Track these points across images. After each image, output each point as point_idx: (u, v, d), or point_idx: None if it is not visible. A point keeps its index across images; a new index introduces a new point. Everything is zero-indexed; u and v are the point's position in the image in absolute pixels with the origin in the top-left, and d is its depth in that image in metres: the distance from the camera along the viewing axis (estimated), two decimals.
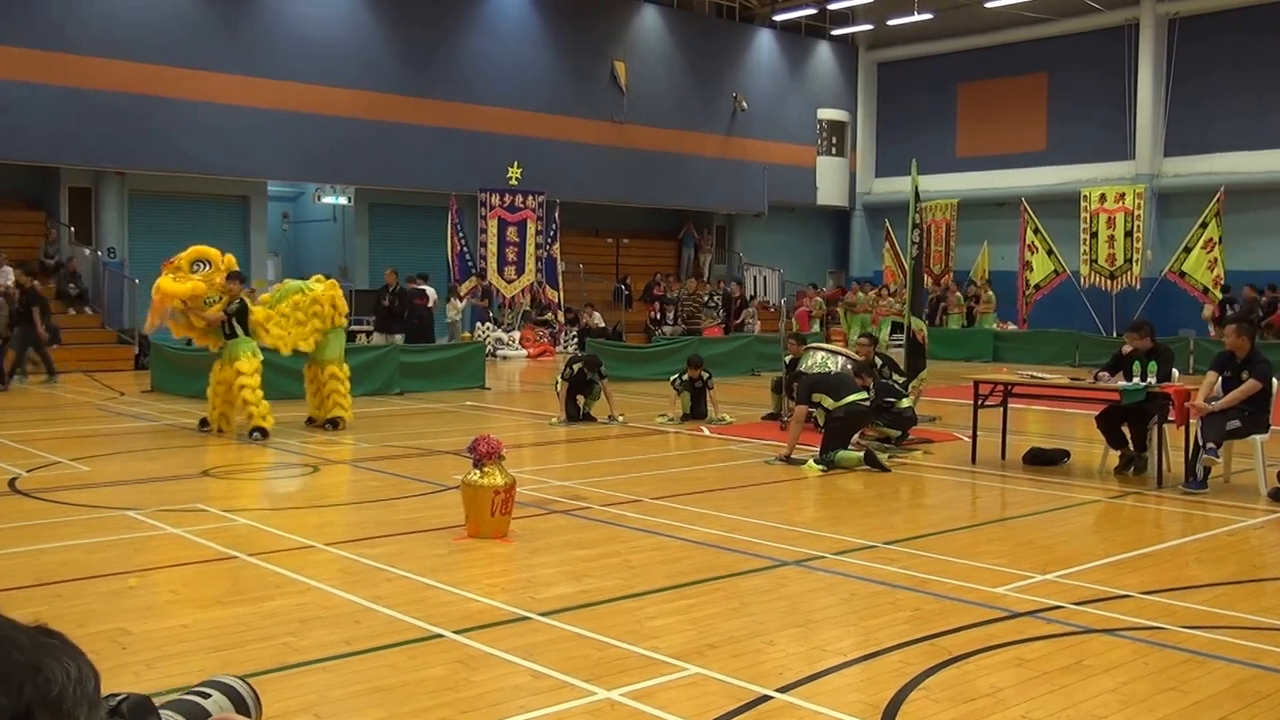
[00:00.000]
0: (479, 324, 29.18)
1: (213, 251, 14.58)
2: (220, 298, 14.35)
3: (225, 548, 8.26)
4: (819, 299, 32.47)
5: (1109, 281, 30.15)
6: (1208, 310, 28.96)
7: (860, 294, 33.20)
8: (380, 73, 30.20)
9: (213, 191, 28.73)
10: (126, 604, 6.84)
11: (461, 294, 28.71)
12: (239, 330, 14.28)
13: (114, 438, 14.50)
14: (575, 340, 30.08)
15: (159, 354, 20.22)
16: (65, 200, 27.13)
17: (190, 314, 14.27)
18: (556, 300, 30.29)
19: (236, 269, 14.71)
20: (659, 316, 32.62)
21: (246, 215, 29.59)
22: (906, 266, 17.48)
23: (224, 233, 28.19)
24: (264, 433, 14.05)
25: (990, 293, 33.46)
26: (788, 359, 16.25)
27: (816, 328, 30.46)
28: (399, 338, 24.90)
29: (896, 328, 31.16)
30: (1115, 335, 26.56)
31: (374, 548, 8.32)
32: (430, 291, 27.28)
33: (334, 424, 15.05)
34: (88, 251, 27.02)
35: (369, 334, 25.43)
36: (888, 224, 34.86)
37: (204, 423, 14.76)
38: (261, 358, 14.50)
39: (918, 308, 16.41)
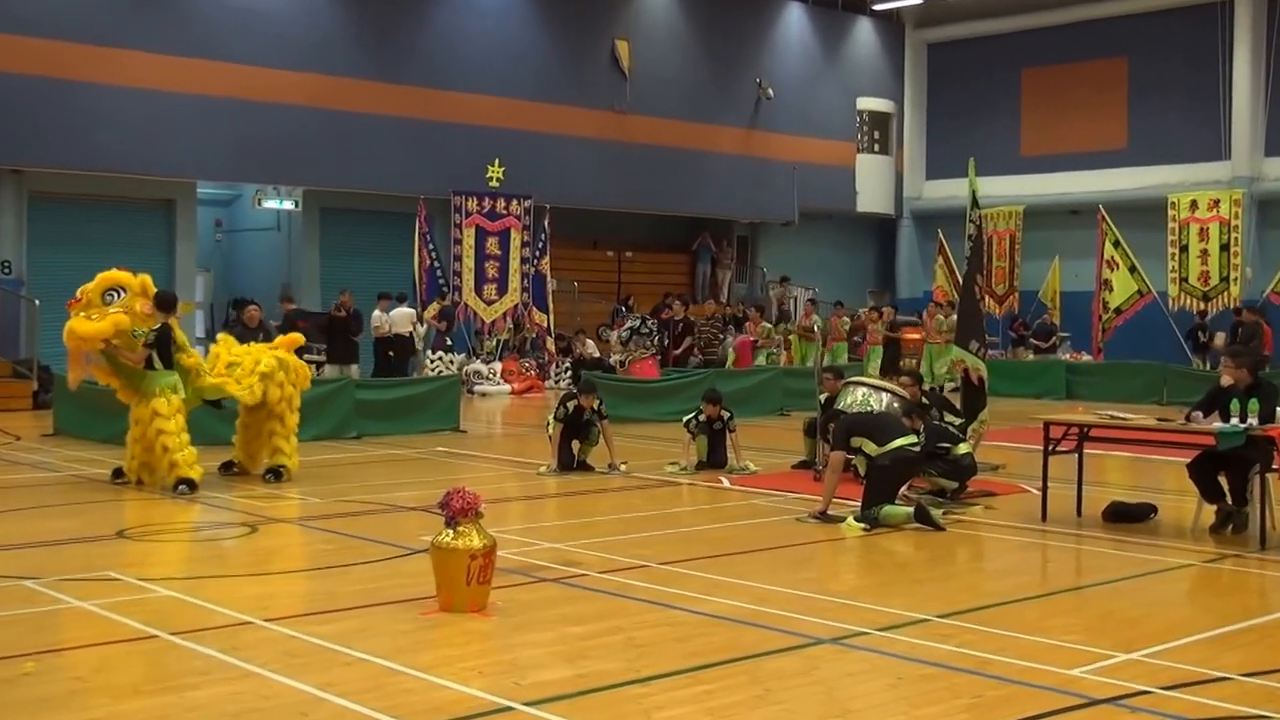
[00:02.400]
0: (432, 353, 28.94)
1: (123, 275, 14.49)
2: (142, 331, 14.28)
3: (143, 625, 8.20)
4: (766, 324, 31.48)
5: (1202, 304, 30.17)
6: (1219, 338, 29.16)
7: (816, 316, 32.11)
8: (334, 52, 30.29)
9: (130, 194, 28.76)
10: (21, 694, 6.78)
11: (426, 318, 28.60)
12: (158, 362, 14.19)
13: (8, 491, 14.44)
14: (568, 373, 30.02)
15: (64, 391, 20.12)
16: None
17: (119, 354, 14.20)
18: (546, 325, 30.27)
19: (156, 291, 14.62)
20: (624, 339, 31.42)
21: (171, 222, 29.61)
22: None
23: (144, 243, 28.22)
24: (191, 485, 13.99)
25: (954, 316, 32.65)
26: (823, 396, 16.21)
27: (762, 360, 29.81)
28: (354, 369, 24.89)
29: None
30: (1210, 368, 26.53)
31: (324, 624, 8.28)
32: (402, 312, 27.19)
33: (275, 474, 14.99)
34: None
35: (320, 365, 25.39)
36: (941, 235, 34.97)
37: (118, 473, 14.69)
38: (183, 394, 14.41)
39: (966, 337, 16.28)
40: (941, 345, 31.35)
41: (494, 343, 30.27)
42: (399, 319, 27.14)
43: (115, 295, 14.25)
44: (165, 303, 14.52)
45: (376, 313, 27.28)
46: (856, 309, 35.08)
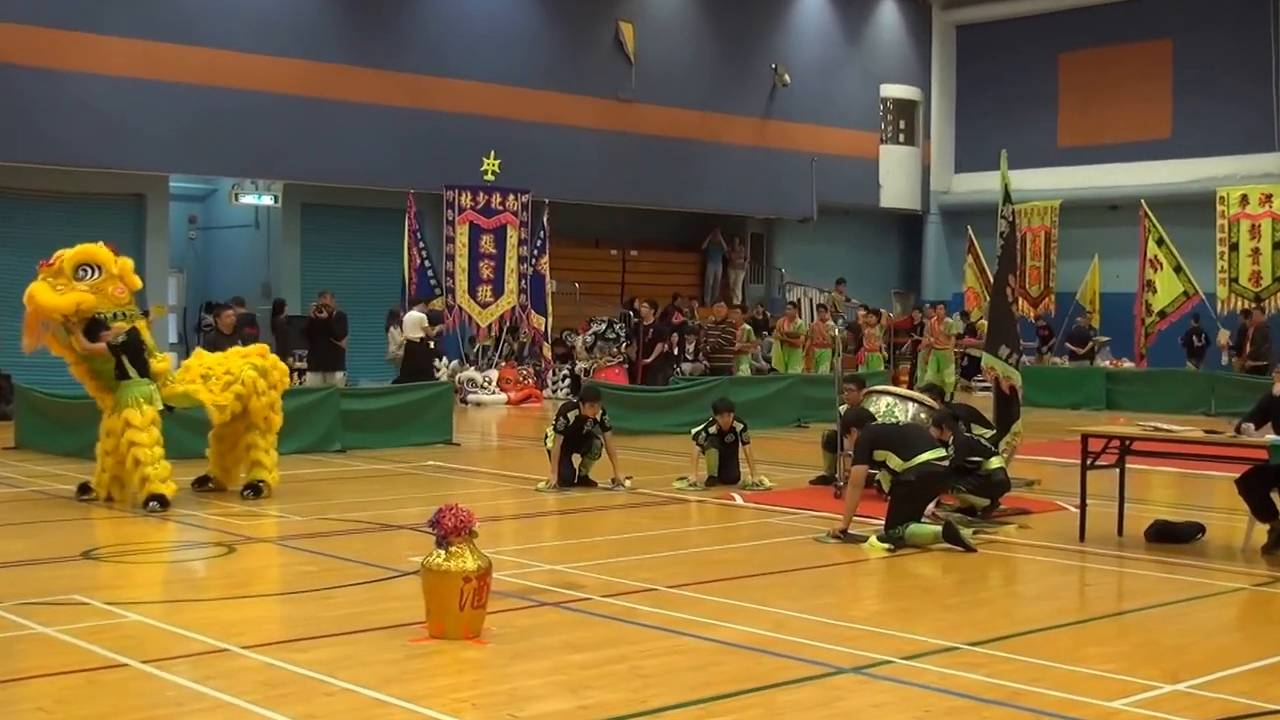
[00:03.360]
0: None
1: (102, 252, 14.49)
2: (114, 315, 14.27)
3: (112, 652, 8.22)
4: (747, 326, 30.42)
5: (1253, 306, 30.09)
6: (1223, 335, 29.31)
7: (799, 320, 31.44)
8: (317, 36, 30.29)
9: (96, 189, 28.74)
10: None
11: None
12: (130, 370, 14.19)
13: None
14: (565, 382, 29.98)
15: (26, 400, 20.15)
16: None
17: (74, 337, 14.20)
18: (544, 330, 30.23)
19: (134, 279, 14.61)
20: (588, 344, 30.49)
21: (141, 219, 29.61)
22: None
23: (112, 242, 28.10)
24: (163, 502, 14.00)
25: (946, 319, 32.53)
26: (844, 407, 16.20)
27: (745, 369, 29.14)
28: (339, 376, 24.89)
29: (973, 366, 30.86)
30: (1262, 375, 26.48)
31: (306, 652, 8.29)
32: (412, 316, 27.04)
33: (254, 490, 14.99)
34: None
35: (301, 374, 25.41)
36: (971, 232, 34.86)
37: (84, 489, 14.71)
38: (160, 405, 14.41)
39: (996, 342, 16.22)
40: (949, 351, 31.25)
41: (476, 350, 30.01)
42: (409, 324, 27.05)
43: (89, 272, 14.26)
44: (92, 331, 14.26)
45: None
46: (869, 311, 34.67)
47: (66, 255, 14.30)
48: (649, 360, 28.79)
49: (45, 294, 14.03)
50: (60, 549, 11.92)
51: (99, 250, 14.51)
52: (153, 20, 28.05)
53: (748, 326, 30.21)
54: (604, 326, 28.06)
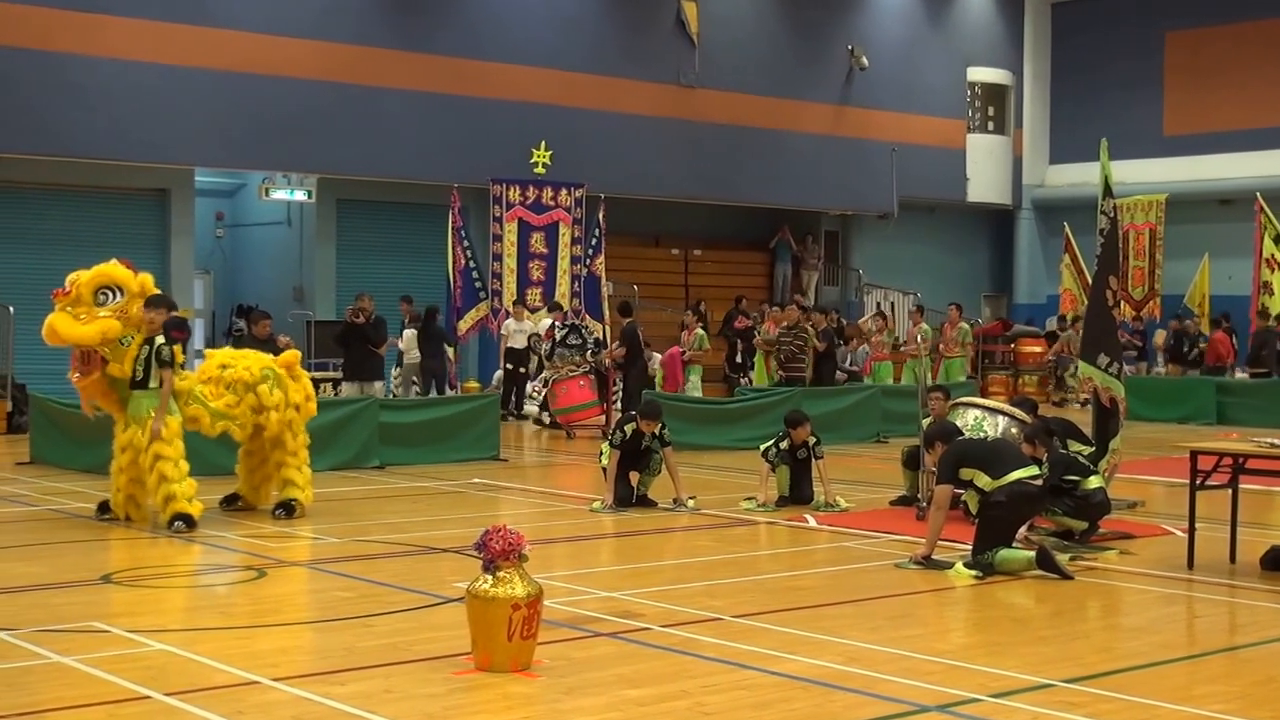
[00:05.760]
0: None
1: (120, 271, 14.42)
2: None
3: (134, 684, 8.29)
4: (699, 331, 28.99)
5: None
6: (1159, 338, 29.77)
7: (788, 323, 30.52)
8: (354, 17, 30.41)
9: (116, 184, 28.98)
10: None
11: (461, 331, 28.40)
12: (154, 379, 14.21)
13: None
14: (622, 391, 29.85)
15: (42, 412, 20.27)
16: None
17: (112, 363, 14.21)
18: (600, 336, 30.22)
19: (157, 293, 14.68)
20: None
21: (164, 217, 29.83)
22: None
23: (134, 241, 28.30)
24: (189, 521, 14.08)
25: (923, 325, 32.14)
26: (928, 421, 16.15)
27: (695, 379, 28.48)
28: (378, 386, 24.97)
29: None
30: None
31: (342, 684, 8.34)
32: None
33: (286, 510, 15.07)
34: None
35: (336, 385, 25.51)
36: (1068, 229, 34.75)
37: (104, 507, 14.80)
38: (179, 415, 14.39)
39: (1095, 350, 16.12)
40: (961, 360, 31.07)
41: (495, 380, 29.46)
42: (510, 330, 27.09)
43: (110, 295, 14.22)
44: (169, 305, 14.60)
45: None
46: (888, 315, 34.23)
47: (83, 279, 14.16)
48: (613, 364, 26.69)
49: (67, 326, 13.93)
50: (78, 572, 12.04)
51: (116, 270, 14.42)
52: (179, 2, 28.18)
53: (700, 332, 28.61)
54: (565, 332, 26.84)
